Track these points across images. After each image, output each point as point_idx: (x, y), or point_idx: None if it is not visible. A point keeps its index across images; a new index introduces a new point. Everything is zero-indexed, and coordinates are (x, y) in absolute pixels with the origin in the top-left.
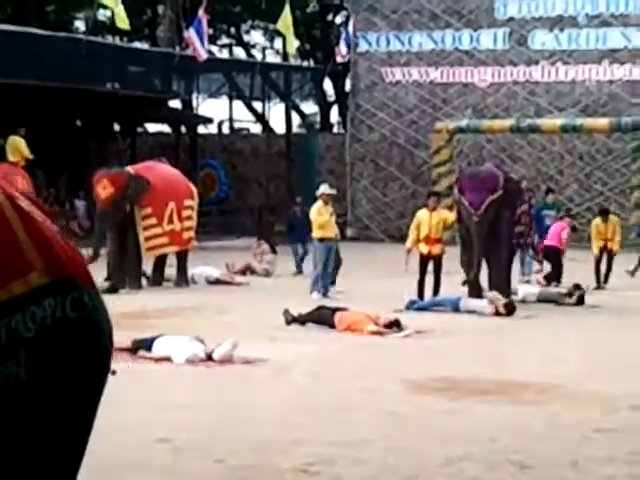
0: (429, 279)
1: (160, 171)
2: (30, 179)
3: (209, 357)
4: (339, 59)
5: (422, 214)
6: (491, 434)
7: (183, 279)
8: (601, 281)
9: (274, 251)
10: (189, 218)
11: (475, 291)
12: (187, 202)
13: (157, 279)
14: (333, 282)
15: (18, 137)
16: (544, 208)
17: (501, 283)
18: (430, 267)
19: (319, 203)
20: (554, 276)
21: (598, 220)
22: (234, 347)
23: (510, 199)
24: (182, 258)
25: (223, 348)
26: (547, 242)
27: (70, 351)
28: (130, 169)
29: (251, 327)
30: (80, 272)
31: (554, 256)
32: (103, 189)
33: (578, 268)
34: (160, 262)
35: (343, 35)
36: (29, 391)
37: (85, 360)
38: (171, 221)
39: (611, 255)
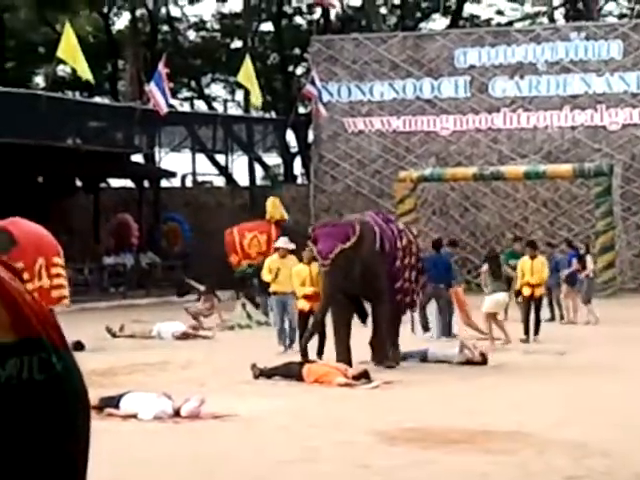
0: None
1: (26, 227)
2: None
3: (177, 413)
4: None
5: (299, 269)
6: None
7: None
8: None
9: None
10: (58, 276)
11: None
12: (55, 259)
13: None
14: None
15: (275, 198)
16: (511, 257)
17: (381, 343)
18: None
19: (274, 256)
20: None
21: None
22: (201, 403)
23: (368, 249)
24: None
25: (191, 404)
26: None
27: (36, 415)
28: None
29: (218, 382)
30: (50, 332)
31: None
32: None
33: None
34: None
35: (314, 91)
36: None
37: (51, 425)
38: (40, 277)
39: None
